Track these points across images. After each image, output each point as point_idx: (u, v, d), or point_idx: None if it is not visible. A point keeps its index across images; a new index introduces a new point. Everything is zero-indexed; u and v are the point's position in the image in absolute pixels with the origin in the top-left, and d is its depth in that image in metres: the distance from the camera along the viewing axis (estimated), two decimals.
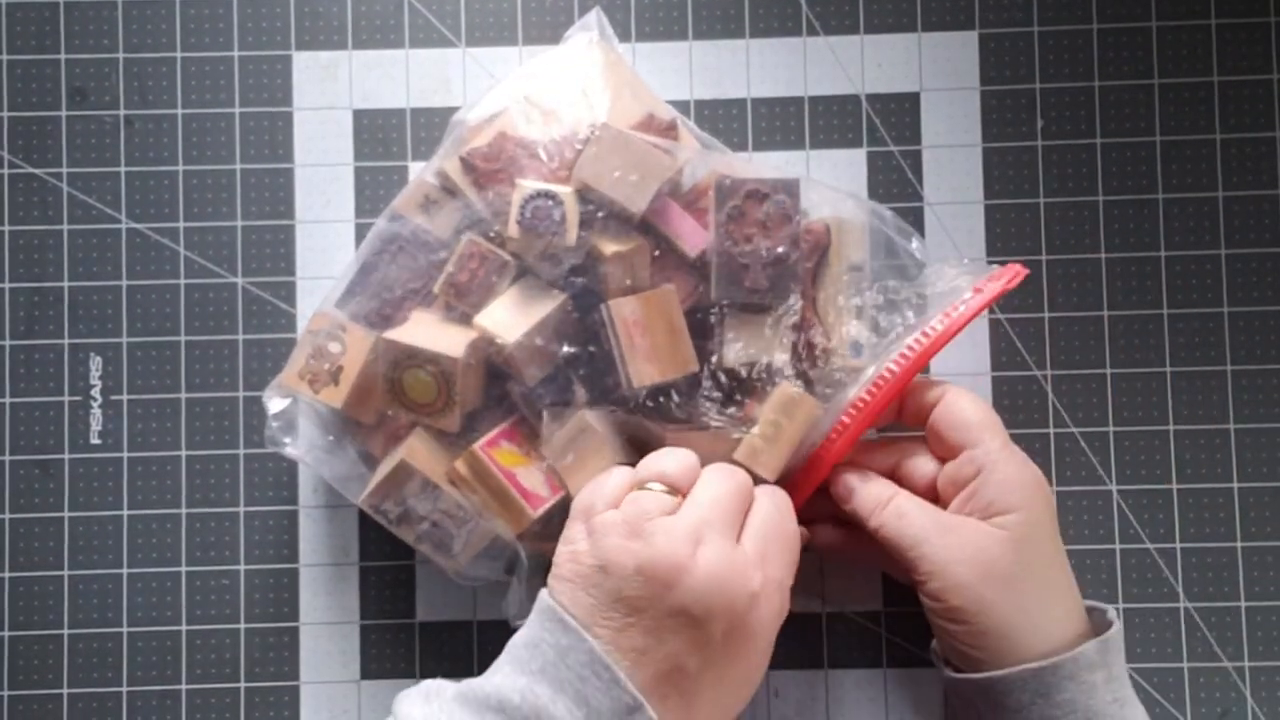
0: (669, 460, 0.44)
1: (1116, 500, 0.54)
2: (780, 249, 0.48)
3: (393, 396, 0.48)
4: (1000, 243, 0.54)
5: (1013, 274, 0.48)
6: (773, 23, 0.55)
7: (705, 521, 0.41)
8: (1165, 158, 0.55)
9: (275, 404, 0.50)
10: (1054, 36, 0.55)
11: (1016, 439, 0.54)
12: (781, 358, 0.48)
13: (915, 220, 0.55)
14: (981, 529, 0.45)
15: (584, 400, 0.48)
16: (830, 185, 0.50)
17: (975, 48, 0.55)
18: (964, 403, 0.47)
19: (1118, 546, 0.54)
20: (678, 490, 0.43)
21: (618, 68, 0.50)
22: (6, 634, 0.53)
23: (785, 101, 0.55)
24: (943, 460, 0.48)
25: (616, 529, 0.41)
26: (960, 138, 0.55)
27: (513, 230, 0.47)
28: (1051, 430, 0.54)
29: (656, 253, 0.48)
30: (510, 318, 0.47)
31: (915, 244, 0.49)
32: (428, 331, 0.48)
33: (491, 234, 0.48)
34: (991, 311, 0.54)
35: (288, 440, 0.50)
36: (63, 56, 0.55)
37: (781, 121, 0.55)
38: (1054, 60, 0.55)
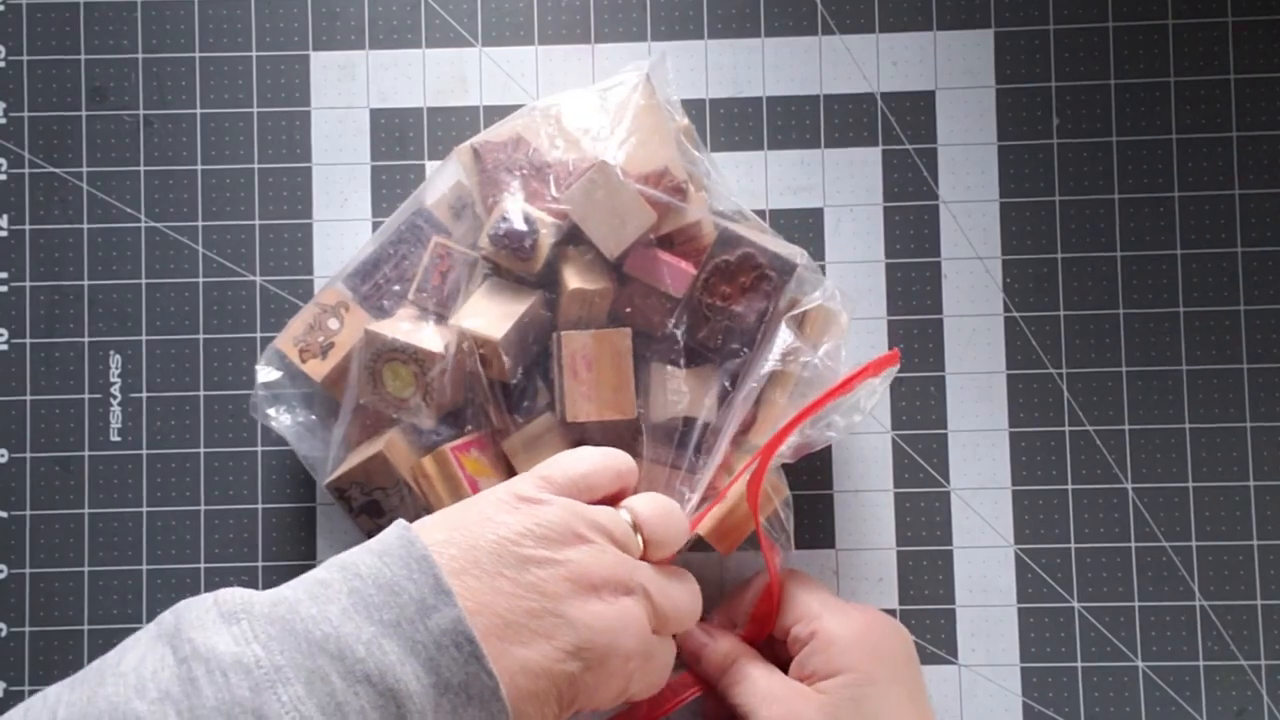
0: (647, 504, 0.43)
1: (1132, 498, 0.54)
2: (749, 319, 0.48)
3: (371, 387, 0.48)
4: (1015, 241, 0.55)
5: (887, 361, 0.47)
6: (788, 22, 0.55)
7: (644, 589, 0.40)
8: (1181, 156, 0.55)
9: (267, 374, 0.51)
10: (1069, 35, 0.55)
11: (1031, 437, 0.54)
12: (709, 415, 0.47)
13: (931, 219, 0.55)
14: (801, 695, 0.44)
15: (546, 406, 0.48)
16: (836, 287, 0.48)
17: (990, 46, 0.55)
18: (791, 585, 0.48)
19: (1133, 545, 0.54)
20: (639, 529, 0.42)
21: (653, 114, 0.49)
22: (28, 629, 0.54)
23: (800, 100, 0.55)
24: None
25: (608, 536, 0.40)
26: (975, 136, 0.55)
27: (483, 240, 0.47)
28: (1067, 428, 0.54)
29: (648, 298, 0.48)
30: (490, 318, 0.47)
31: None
32: (411, 327, 0.48)
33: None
34: (1006, 310, 0.54)
35: (271, 411, 0.51)
36: (83, 57, 0.56)
37: (797, 120, 0.55)
38: (1069, 58, 0.55)
